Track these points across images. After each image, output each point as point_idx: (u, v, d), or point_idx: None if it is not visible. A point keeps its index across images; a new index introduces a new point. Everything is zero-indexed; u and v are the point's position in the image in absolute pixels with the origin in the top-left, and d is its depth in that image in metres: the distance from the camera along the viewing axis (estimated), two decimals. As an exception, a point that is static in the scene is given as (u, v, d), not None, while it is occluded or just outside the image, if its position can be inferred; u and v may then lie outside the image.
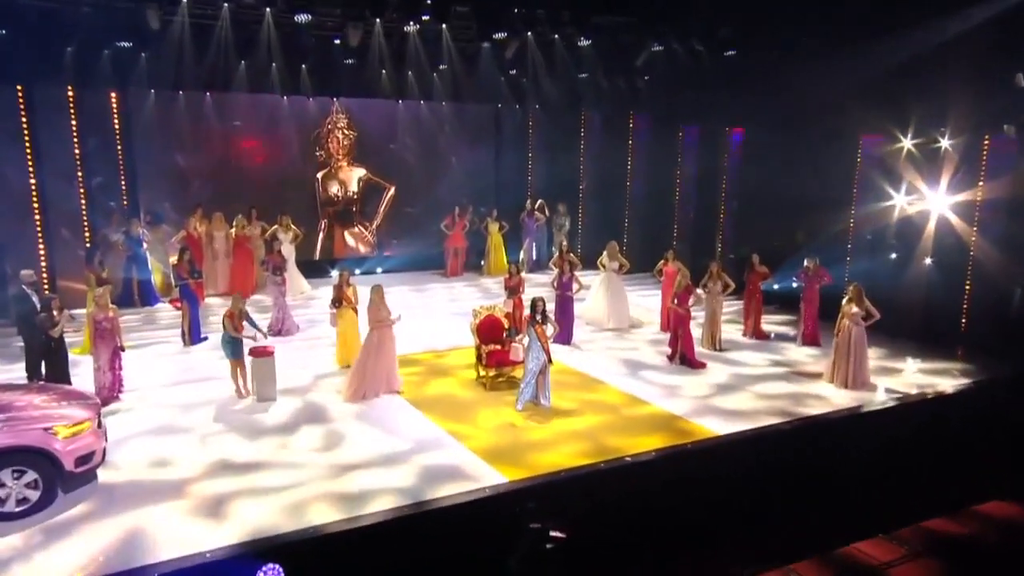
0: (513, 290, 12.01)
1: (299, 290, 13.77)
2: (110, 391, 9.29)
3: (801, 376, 11.00)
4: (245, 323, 9.58)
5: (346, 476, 7.48)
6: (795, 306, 13.26)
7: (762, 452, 8.41)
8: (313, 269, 14.73)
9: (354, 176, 16.23)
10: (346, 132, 16.05)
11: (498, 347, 10.42)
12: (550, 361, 9.15)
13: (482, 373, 10.29)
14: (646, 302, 14.81)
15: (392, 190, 16.19)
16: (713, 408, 9.53)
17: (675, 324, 11.74)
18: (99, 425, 7.32)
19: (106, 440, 7.51)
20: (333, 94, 15.58)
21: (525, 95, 16.57)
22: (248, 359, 9.69)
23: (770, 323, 13.78)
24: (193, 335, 11.58)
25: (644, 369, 11.14)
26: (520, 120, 17.52)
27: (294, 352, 11.26)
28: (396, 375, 9.76)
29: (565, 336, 12.32)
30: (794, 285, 13.22)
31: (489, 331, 10.58)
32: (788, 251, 13.55)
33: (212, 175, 14.70)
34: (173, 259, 12.20)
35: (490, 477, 7.46)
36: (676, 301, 11.66)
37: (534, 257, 16.43)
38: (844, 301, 10.66)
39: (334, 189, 16.22)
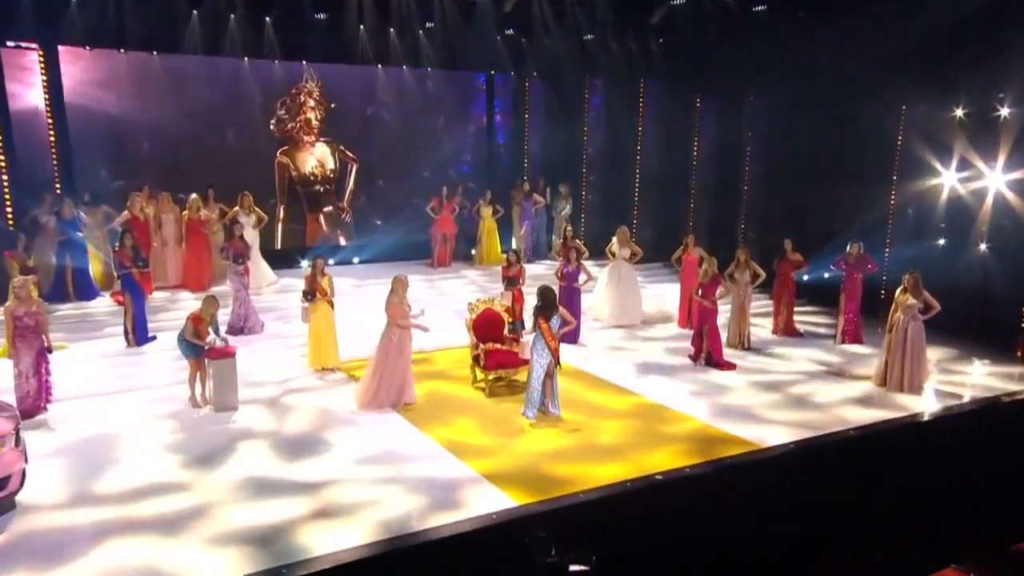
0: (512, 281, 11.54)
1: (264, 281, 13.16)
2: (34, 401, 8.49)
3: (846, 379, 10.57)
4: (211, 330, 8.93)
5: (323, 501, 6.81)
6: (825, 299, 12.85)
7: (816, 467, 7.87)
8: (277, 259, 14.16)
9: (329, 151, 15.70)
10: (319, 101, 15.49)
11: (498, 346, 9.94)
12: (558, 363, 8.65)
13: (480, 376, 9.80)
14: (659, 295, 14.46)
15: (356, 166, 15.72)
16: (750, 415, 9.06)
17: (700, 319, 11.26)
18: (17, 443, 6.54)
19: (26, 460, 6.71)
20: (303, 58, 15.05)
21: (523, 59, 16.21)
22: (208, 362, 9.01)
23: (801, 319, 13.37)
24: (138, 334, 10.83)
25: (665, 371, 10.75)
26: (517, 89, 17.17)
27: (259, 354, 10.68)
28: (411, 386, 9.17)
29: (572, 334, 11.85)
30: (825, 276, 12.84)
31: (487, 328, 10.05)
32: (820, 236, 13.10)
33: (162, 150, 14.19)
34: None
35: (497, 500, 6.89)
36: (701, 292, 11.19)
37: (531, 245, 15.95)
38: (899, 292, 10.13)
39: (310, 166, 15.66)
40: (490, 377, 9.61)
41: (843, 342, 12.22)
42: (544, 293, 8.79)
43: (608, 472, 7.43)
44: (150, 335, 11.04)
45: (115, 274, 11.57)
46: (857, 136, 13.28)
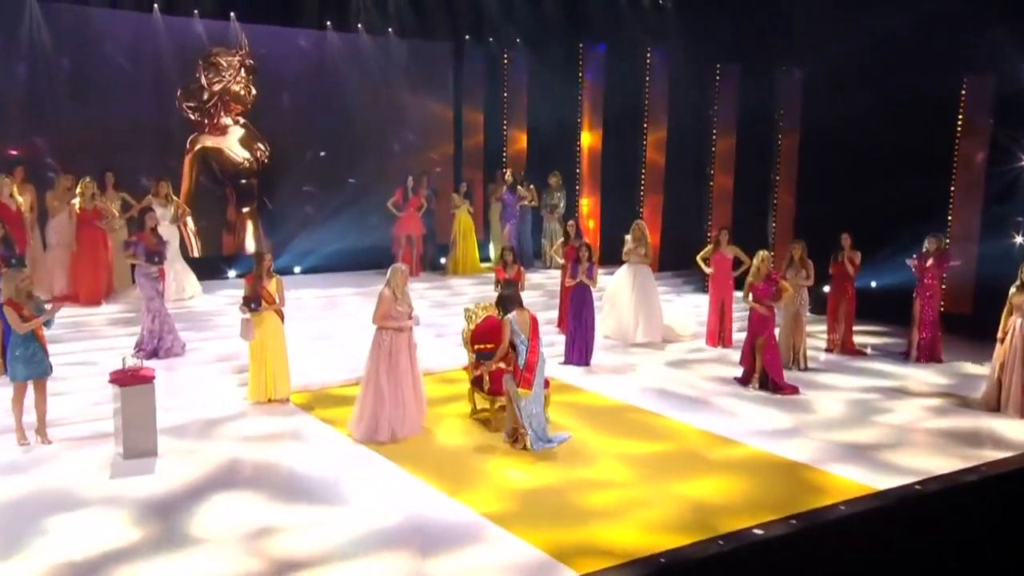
0: (509, 285, 10.54)
1: (186, 292, 12.07)
2: None
3: (947, 402, 9.97)
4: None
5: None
6: (874, 309, 12.60)
7: (958, 512, 6.87)
8: (196, 269, 12.88)
9: (248, 135, 14.76)
10: (250, 70, 14.50)
11: (504, 365, 8.90)
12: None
13: (481, 405, 9.11)
14: (676, 306, 14.01)
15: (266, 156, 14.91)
16: (849, 450, 8.31)
17: (753, 330, 10.54)
18: None
19: None
20: (232, 15, 14.13)
21: (502, 22, 15.67)
22: (116, 391, 7.83)
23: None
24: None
25: (713, 397, 10.11)
26: (495, 58, 16.58)
27: (180, 383, 9.71)
28: (423, 404, 8.73)
29: (580, 353, 11.37)
30: (872, 285, 12.66)
31: (491, 341, 9.14)
32: (869, 233, 12.55)
33: (41, 123, 12.93)
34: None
35: (543, 571, 5.91)
36: (752, 296, 10.50)
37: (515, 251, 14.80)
38: (1013, 290, 9.48)
39: (242, 153, 14.66)
40: (496, 406, 8.82)
41: (918, 360, 11.66)
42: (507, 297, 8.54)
43: (677, 524, 6.54)
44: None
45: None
46: (908, 112, 12.95)
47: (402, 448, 8.12)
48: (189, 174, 14.26)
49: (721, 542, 6.05)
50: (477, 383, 8.98)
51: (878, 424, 9.07)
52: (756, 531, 6.18)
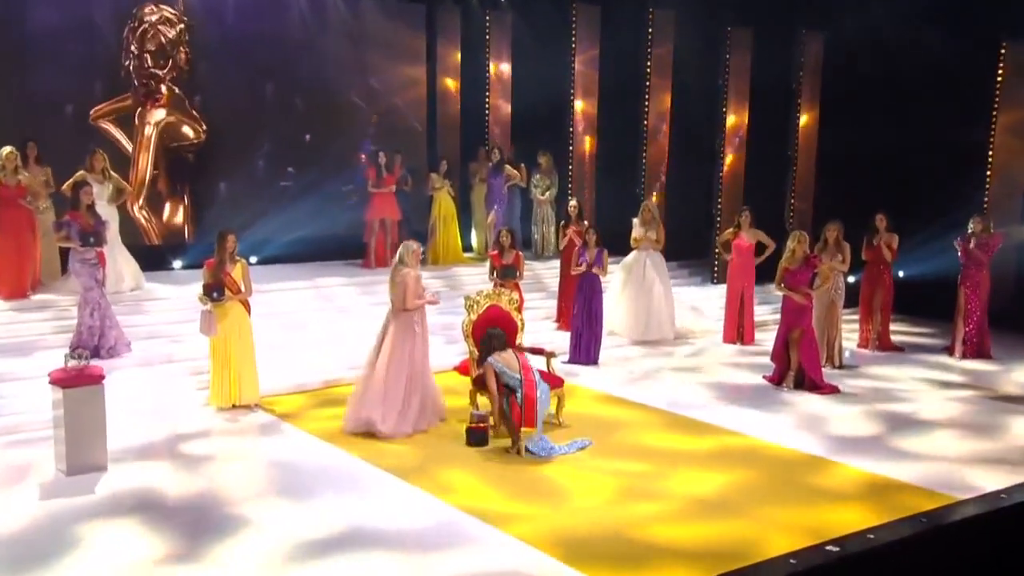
0: (507, 271, 10.66)
1: (126, 282, 11.71)
2: None
3: (1010, 402, 9.90)
4: None
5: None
6: (912, 301, 12.72)
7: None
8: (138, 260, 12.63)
9: (175, 108, 14.46)
10: (186, 27, 14.18)
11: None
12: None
13: (486, 407, 8.74)
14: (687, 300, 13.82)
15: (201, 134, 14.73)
16: (911, 456, 8.18)
17: (788, 322, 10.34)
18: None
19: None
20: None
21: None
22: (57, 395, 7.48)
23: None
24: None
25: (742, 397, 10.00)
26: (475, 17, 16.43)
27: (128, 386, 9.39)
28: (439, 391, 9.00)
29: (588, 351, 11.29)
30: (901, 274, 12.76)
31: None
32: (903, 217, 12.57)
33: None
34: None
35: None
36: (784, 284, 10.32)
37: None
38: None
39: (183, 128, 14.41)
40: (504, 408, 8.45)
41: (964, 356, 11.62)
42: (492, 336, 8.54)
43: (740, 544, 6.32)
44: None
45: None
46: (940, 82, 13.12)
47: (385, 458, 7.85)
48: (142, 155, 14.05)
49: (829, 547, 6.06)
50: (479, 385, 8.68)
51: (939, 428, 8.96)
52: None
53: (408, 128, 16.06)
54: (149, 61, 13.92)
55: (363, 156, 14.96)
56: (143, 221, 14.11)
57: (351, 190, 15.02)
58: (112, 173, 11.64)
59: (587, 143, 16.23)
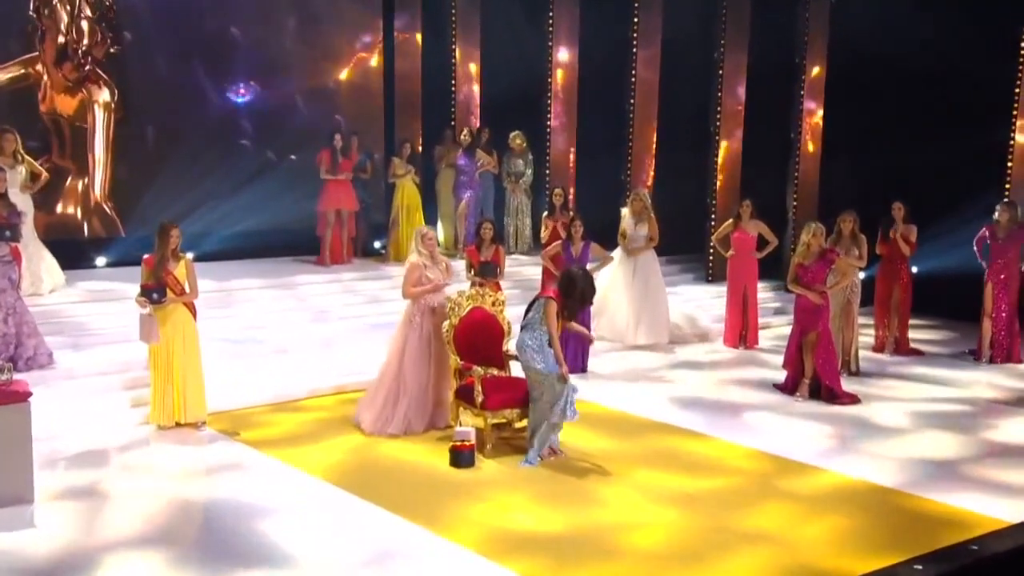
0: (486, 268, 10.63)
1: (44, 283, 11.58)
2: None
3: None
4: None
5: None
6: (931, 299, 12.79)
7: None
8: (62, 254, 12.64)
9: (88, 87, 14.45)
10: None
11: (496, 371, 9.14)
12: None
13: (469, 424, 8.83)
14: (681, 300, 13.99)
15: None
16: (948, 472, 8.26)
17: (802, 324, 10.34)
18: None
19: None
20: None
21: None
22: None
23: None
24: None
25: (750, 410, 10.06)
26: None
27: (53, 403, 9.10)
28: (447, 395, 9.18)
29: (576, 356, 11.27)
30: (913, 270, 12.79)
31: (478, 340, 9.15)
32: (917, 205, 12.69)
33: None
34: None
35: None
36: (800, 281, 10.32)
37: (473, 230, 14.54)
38: None
39: (99, 112, 14.35)
40: (491, 422, 8.60)
41: (992, 361, 11.79)
42: (572, 278, 8.61)
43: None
44: None
45: None
46: (959, 61, 13.13)
47: (375, 480, 7.80)
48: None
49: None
50: (464, 395, 8.68)
51: (978, 438, 9.06)
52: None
53: (365, 108, 16.02)
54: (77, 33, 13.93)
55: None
56: (108, 211, 14.21)
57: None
58: (25, 155, 11.51)
59: (566, 125, 16.28)
